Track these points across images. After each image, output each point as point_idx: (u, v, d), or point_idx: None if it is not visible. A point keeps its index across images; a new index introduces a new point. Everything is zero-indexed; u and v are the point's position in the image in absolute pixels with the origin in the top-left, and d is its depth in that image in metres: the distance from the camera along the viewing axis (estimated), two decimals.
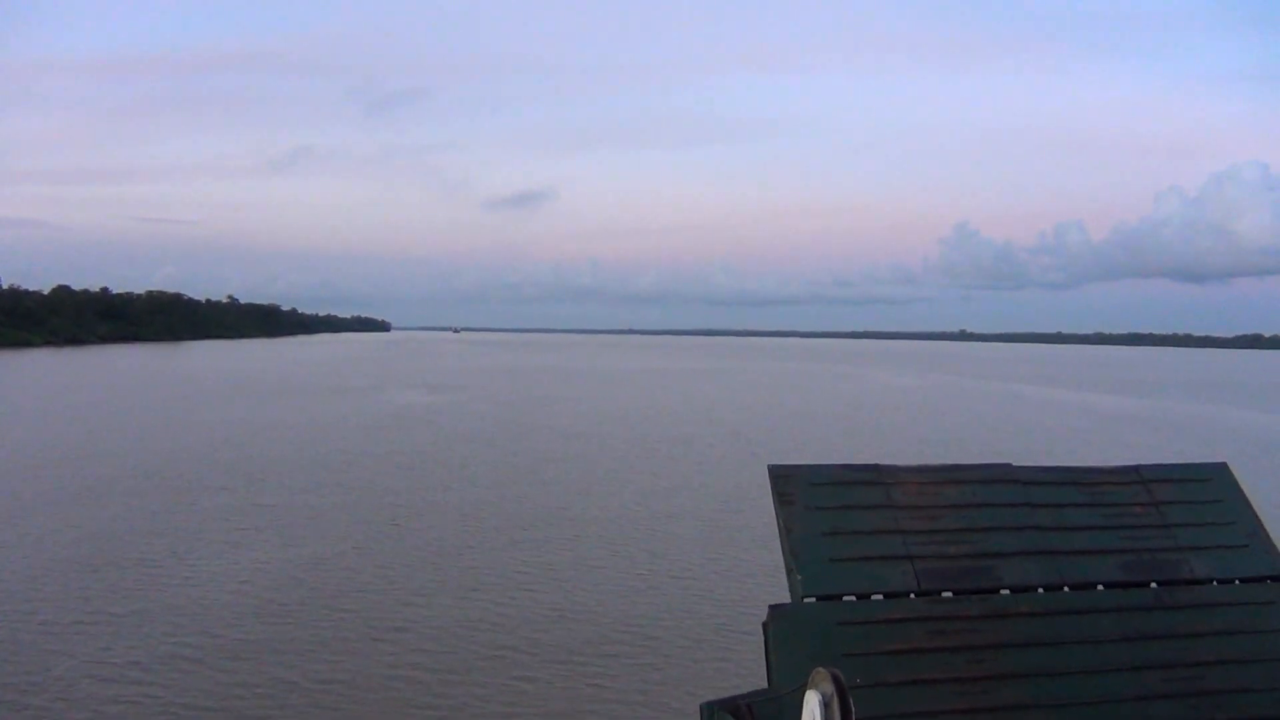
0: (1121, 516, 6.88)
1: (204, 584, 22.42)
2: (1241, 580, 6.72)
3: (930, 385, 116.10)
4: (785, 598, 6.16)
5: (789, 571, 6.25)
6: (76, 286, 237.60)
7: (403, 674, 16.94)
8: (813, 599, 6.07)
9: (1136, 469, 7.27)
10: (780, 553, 6.38)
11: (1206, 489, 7.21)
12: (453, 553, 25.92)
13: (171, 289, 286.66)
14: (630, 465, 42.77)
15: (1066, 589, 6.44)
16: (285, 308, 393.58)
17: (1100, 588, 6.50)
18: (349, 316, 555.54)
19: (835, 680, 4.24)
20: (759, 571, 23.35)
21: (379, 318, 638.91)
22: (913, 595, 6.20)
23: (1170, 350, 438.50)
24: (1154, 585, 6.58)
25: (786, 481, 6.60)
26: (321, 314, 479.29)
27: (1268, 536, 6.99)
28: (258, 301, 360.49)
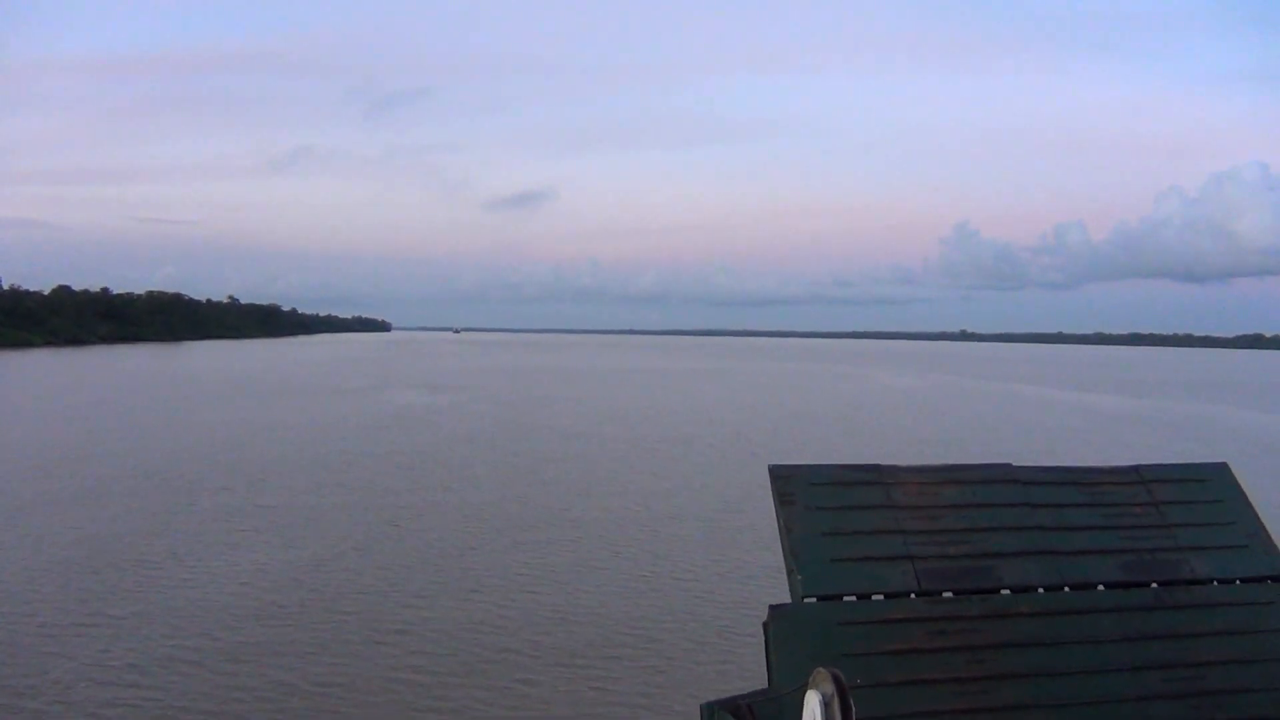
0: (1122, 516, 6.87)
1: (203, 586, 22.32)
2: (1242, 580, 6.71)
3: (930, 385, 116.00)
4: (786, 598, 6.13)
5: (789, 572, 6.24)
6: (77, 287, 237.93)
7: (403, 677, 16.83)
8: (813, 599, 6.06)
9: (1137, 469, 7.26)
10: (781, 553, 6.35)
11: (1207, 489, 7.20)
12: (454, 554, 25.82)
13: (172, 289, 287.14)
14: (631, 466, 42.67)
15: (1067, 589, 6.42)
16: (286, 308, 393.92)
17: (1101, 588, 6.49)
18: (349, 317, 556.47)
19: (835, 680, 4.23)
20: (760, 572, 23.25)
21: (379, 318, 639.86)
22: (913, 595, 6.18)
23: (1170, 350, 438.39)
24: (1154, 585, 6.57)
25: (787, 482, 6.59)
26: (322, 314, 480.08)
27: (1268, 536, 6.98)
28: (258, 302, 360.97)
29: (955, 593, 6.24)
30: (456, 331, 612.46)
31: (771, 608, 5.92)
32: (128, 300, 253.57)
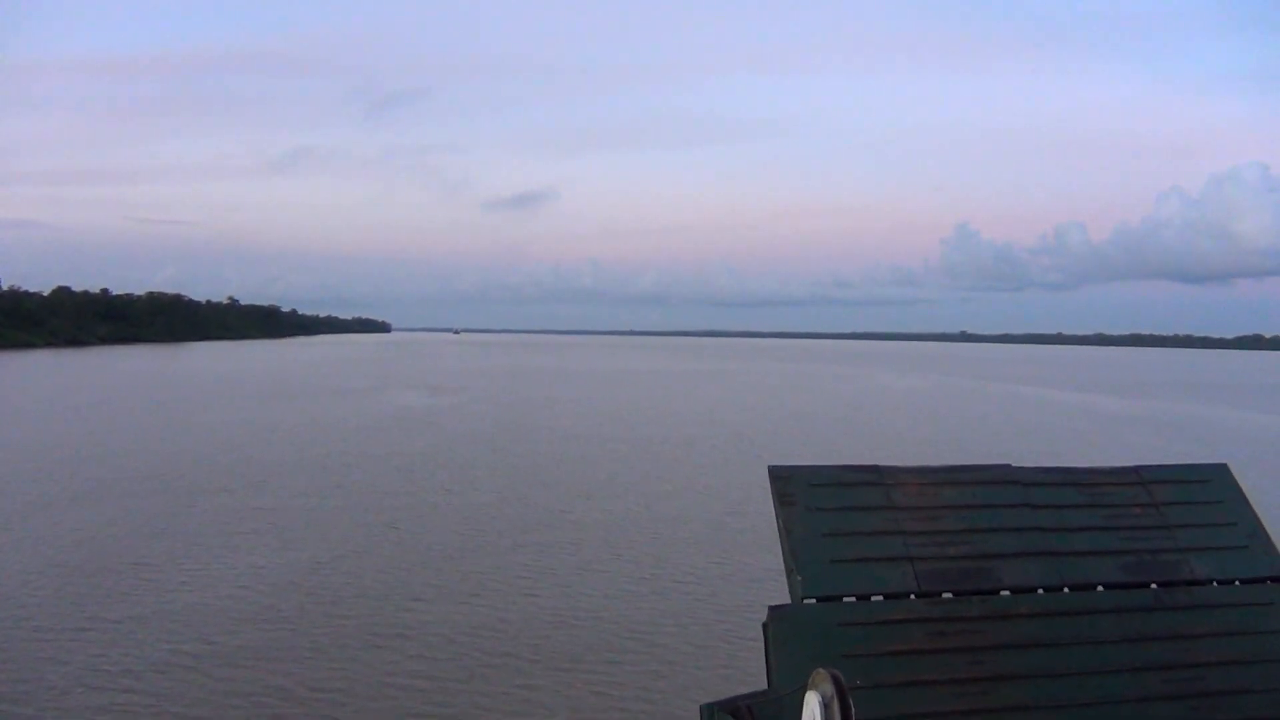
0: (1122, 517, 6.86)
1: (201, 589, 22.14)
2: (1242, 581, 6.69)
3: (931, 386, 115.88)
4: (786, 599, 6.10)
5: (789, 572, 6.22)
6: (77, 288, 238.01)
7: (403, 681, 16.64)
8: (813, 600, 6.04)
9: (1136, 470, 7.25)
10: (780, 554, 6.32)
11: (1206, 490, 7.18)
12: (454, 556, 25.65)
13: (172, 290, 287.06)
14: (632, 467, 42.51)
15: (1067, 590, 6.41)
16: (285, 309, 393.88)
17: (1100, 589, 6.48)
18: (349, 318, 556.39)
19: (835, 681, 4.22)
20: (761, 573, 23.09)
21: (379, 319, 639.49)
22: (913, 596, 6.16)
23: (1171, 351, 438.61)
24: (1154, 586, 6.55)
25: (787, 482, 6.57)
26: (322, 315, 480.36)
27: (1268, 537, 6.95)
28: (258, 303, 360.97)
29: (955, 594, 6.22)
30: (456, 332, 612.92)
31: (771, 609, 5.90)
32: (127, 301, 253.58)
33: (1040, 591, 6.38)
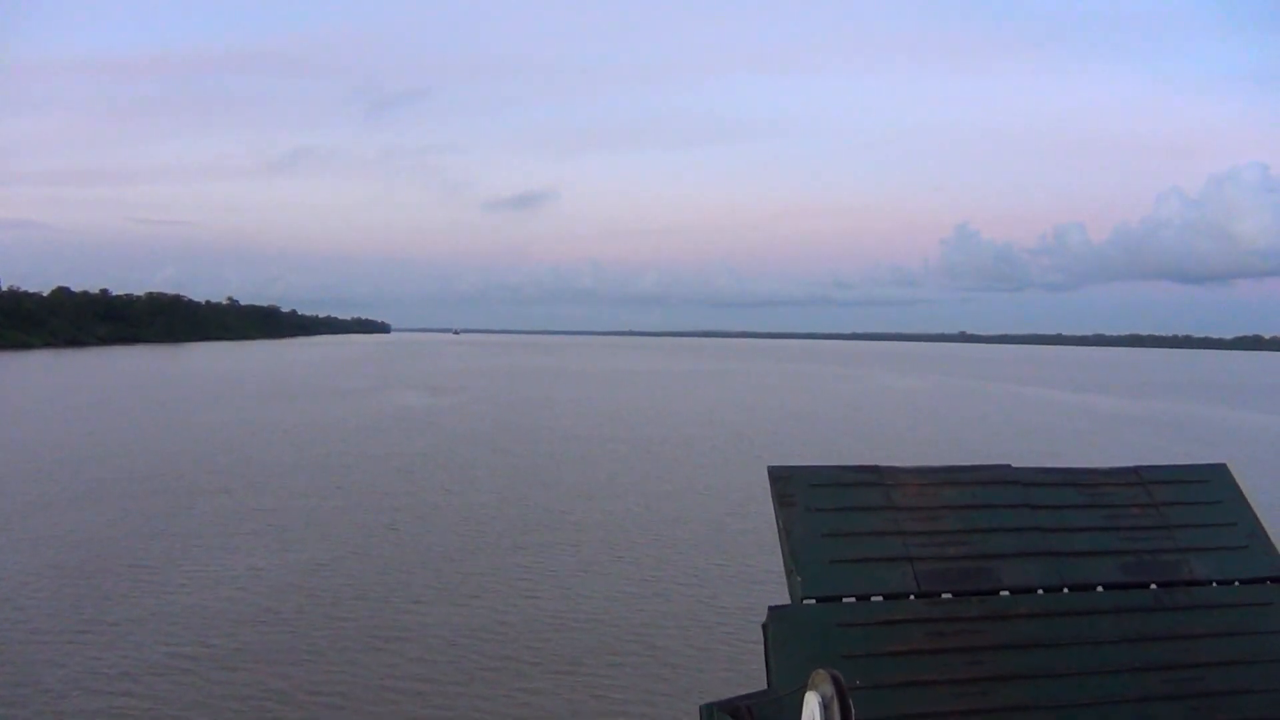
0: (1121, 518, 6.84)
1: (199, 590, 22.05)
2: (1241, 581, 6.69)
3: (931, 387, 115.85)
4: (786, 600, 6.09)
5: (789, 573, 6.21)
6: (76, 288, 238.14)
7: (403, 684, 16.55)
8: (812, 600, 6.03)
9: (1136, 470, 7.23)
10: (780, 554, 6.32)
11: (1206, 490, 7.17)
12: (454, 558, 25.56)
13: (171, 290, 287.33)
14: (632, 467, 42.44)
15: (1066, 590, 6.41)
16: (285, 309, 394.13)
17: (1100, 589, 6.47)
18: (349, 318, 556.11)
19: (835, 681, 4.22)
20: (762, 574, 23.02)
21: (379, 319, 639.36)
22: (912, 596, 6.15)
23: (1170, 351, 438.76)
24: (1154, 586, 6.54)
25: (786, 483, 6.56)
26: (321, 315, 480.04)
27: (1267, 537, 6.94)
28: (258, 303, 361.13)
29: (955, 594, 6.21)
30: (456, 333, 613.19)
31: (771, 609, 5.89)
32: (127, 301, 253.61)
33: (1040, 592, 6.37)
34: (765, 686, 5.76)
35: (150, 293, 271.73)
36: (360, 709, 15.57)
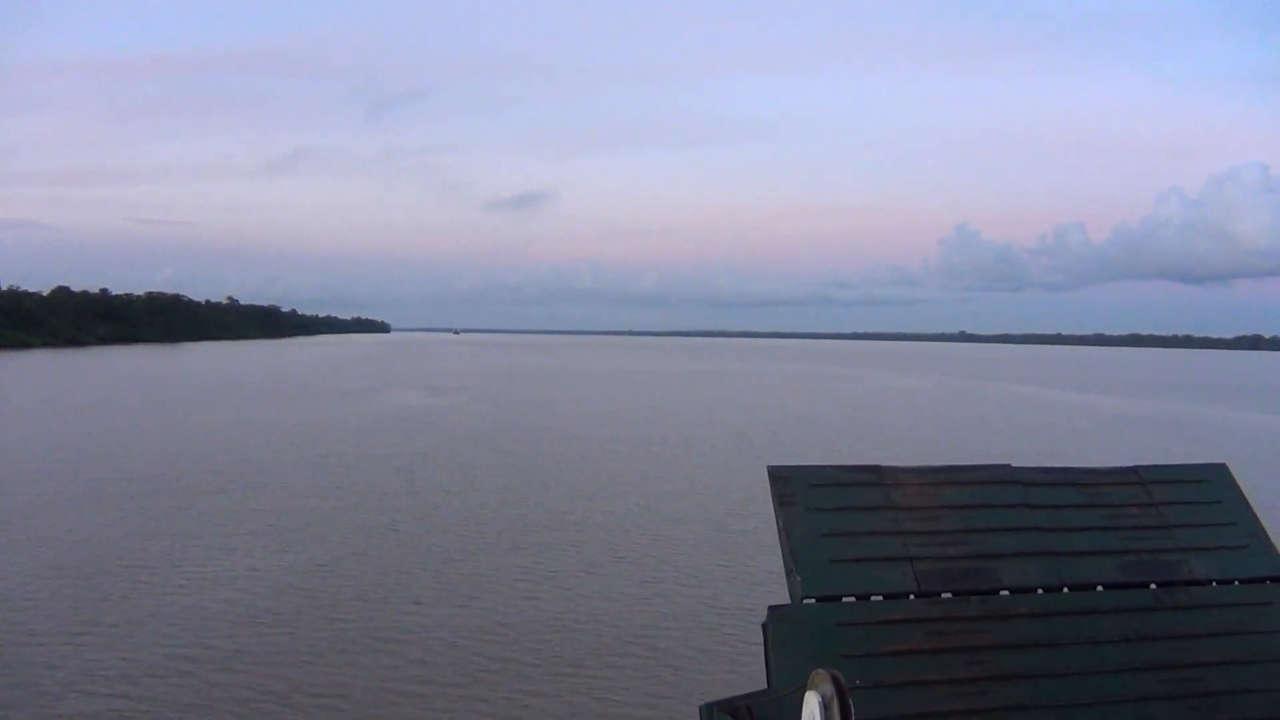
0: (1121, 517, 6.85)
1: (198, 591, 21.96)
2: (1241, 581, 6.69)
3: (930, 386, 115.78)
4: (786, 599, 6.09)
5: (788, 573, 6.21)
6: (76, 288, 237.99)
7: (403, 686, 16.45)
8: (812, 600, 6.03)
9: (1136, 470, 7.23)
10: (780, 554, 6.32)
11: (1206, 490, 7.18)
12: (454, 558, 25.48)
13: (171, 290, 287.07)
14: (632, 467, 42.36)
15: (1066, 590, 6.41)
16: (285, 309, 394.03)
17: (1100, 589, 6.47)
18: (349, 318, 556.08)
19: (835, 681, 4.22)
20: (763, 574, 22.95)
21: (379, 319, 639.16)
22: (912, 596, 6.15)
23: (1170, 351, 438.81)
24: (1153, 586, 6.55)
25: (786, 483, 6.55)
26: (321, 315, 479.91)
27: (1267, 537, 6.95)
28: (257, 303, 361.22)
29: (954, 594, 6.21)
30: (456, 333, 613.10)
31: (771, 609, 5.88)
32: (127, 301, 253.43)
33: (1040, 591, 6.37)
34: (765, 685, 5.73)
35: (150, 292, 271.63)
36: (360, 711, 15.48)
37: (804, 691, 4.40)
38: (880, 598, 6.11)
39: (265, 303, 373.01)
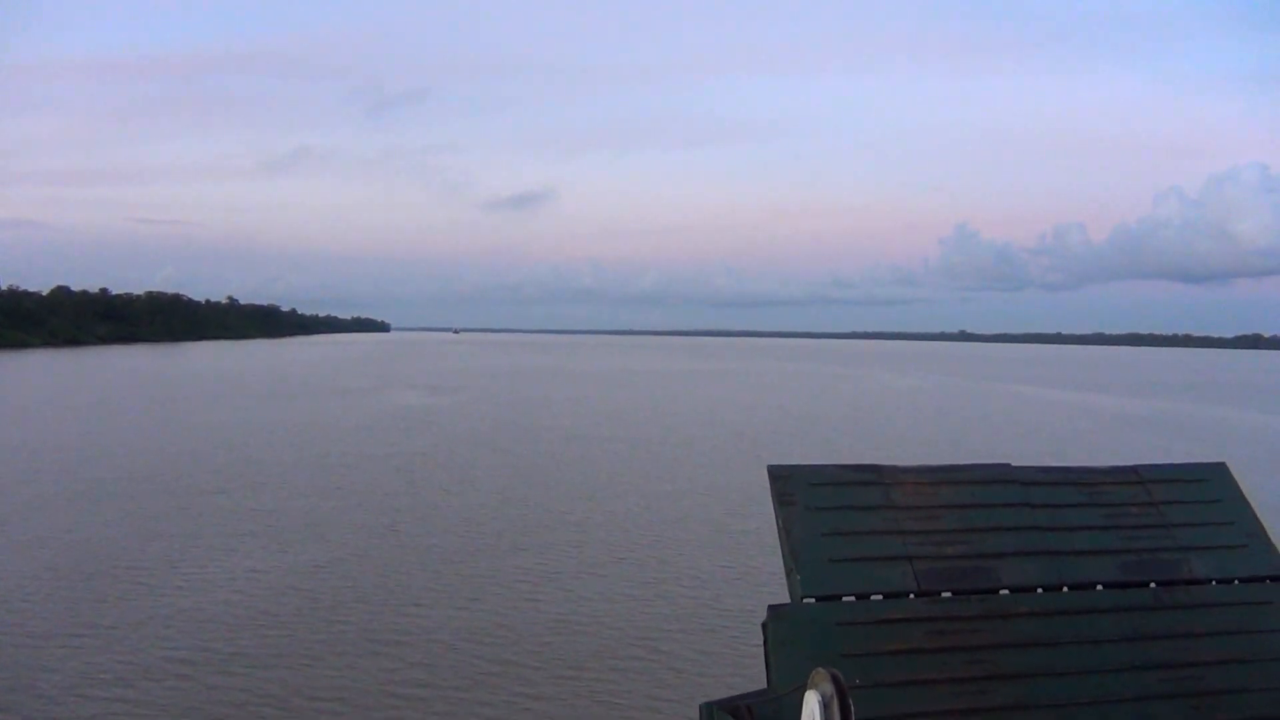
0: (1120, 517, 6.86)
1: (196, 593, 21.86)
2: (1240, 580, 6.71)
3: (931, 386, 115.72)
4: (786, 599, 6.09)
5: (788, 572, 6.21)
6: (76, 287, 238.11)
7: (402, 689, 16.34)
8: (812, 599, 6.03)
9: (1135, 469, 7.25)
10: (780, 554, 6.30)
11: (1205, 489, 7.19)
12: (454, 559, 25.38)
13: (171, 290, 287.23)
14: (633, 467, 42.28)
15: (1066, 589, 6.42)
16: (285, 308, 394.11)
17: (1099, 588, 6.48)
18: (349, 317, 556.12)
19: (835, 680, 4.23)
20: (765, 575, 22.87)
21: (379, 319, 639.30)
22: (912, 596, 6.15)
23: (1170, 351, 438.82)
24: (1153, 585, 6.55)
25: (786, 482, 6.56)
26: (321, 315, 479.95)
27: (1267, 536, 6.98)
28: (257, 302, 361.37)
29: (954, 593, 6.21)
30: (456, 332, 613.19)
31: (770, 608, 5.87)
32: (126, 301, 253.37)
33: (1039, 591, 6.37)
34: (765, 685, 5.71)
35: (150, 292, 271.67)
36: (360, 714, 15.38)
37: (804, 691, 4.39)
38: (880, 597, 6.10)
39: (265, 302, 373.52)
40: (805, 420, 67.45)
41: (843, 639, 5.79)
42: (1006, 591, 6.31)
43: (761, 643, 5.89)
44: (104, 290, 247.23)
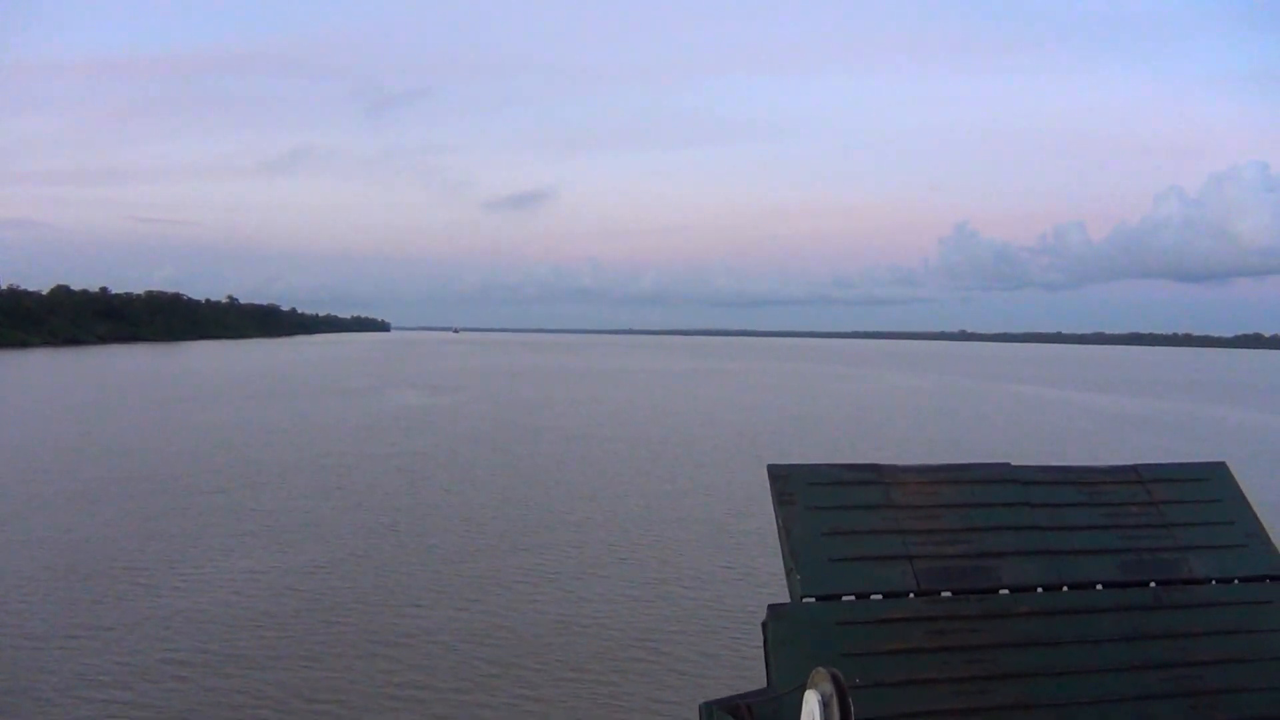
0: (1120, 516, 6.87)
1: (194, 594, 21.78)
2: (1240, 579, 6.72)
3: (931, 386, 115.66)
4: (786, 598, 6.09)
5: (788, 572, 6.21)
6: (75, 287, 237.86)
7: (401, 691, 16.24)
8: (812, 599, 6.04)
9: (1135, 468, 7.25)
10: (780, 553, 6.30)
11: (1205, 488, 7.20)
12: (454, 560, 25.30)
13: (171, 289, 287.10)
14: (633, 467, 42.20)
15: (1065, 589, 6.43)
16: (285, 308, 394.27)
17: (1099, 587, 6.49)
18: (348, 317, 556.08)
19: (834, 680, 4.23)
20: (765, 575, 22.79)
21: (379, 318, 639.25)
22: (912, 595, 6.16)
23: (1170, 350, 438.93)
24: (1153, 585, 6.56)
25: (786, 481, 6.55)
26: (321, 314, 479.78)
27: (1266, 536, 6.98)
28: (257, 302, 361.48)
29: (954, 592, 6.21)
30: (456, 331, 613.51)
31: (770, 607, 5.88)
32: (126, 300, 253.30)
33: (1039, 590, 6.38)
34: (765, 684, 5.71)
35: (150, 291, 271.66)
36: (358, 716, 15.28)
37: (804, 690, 4.39)
38: (880, 596, 6.10)
39: (265, 301, 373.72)
40: (805, 420, 67.38)
41: (842, 638, 5.78)
42: (1006, 591, 6.31)
43: (761, 643, 5.87)
44: (104, 289, 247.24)
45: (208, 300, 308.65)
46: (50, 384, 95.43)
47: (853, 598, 6.07)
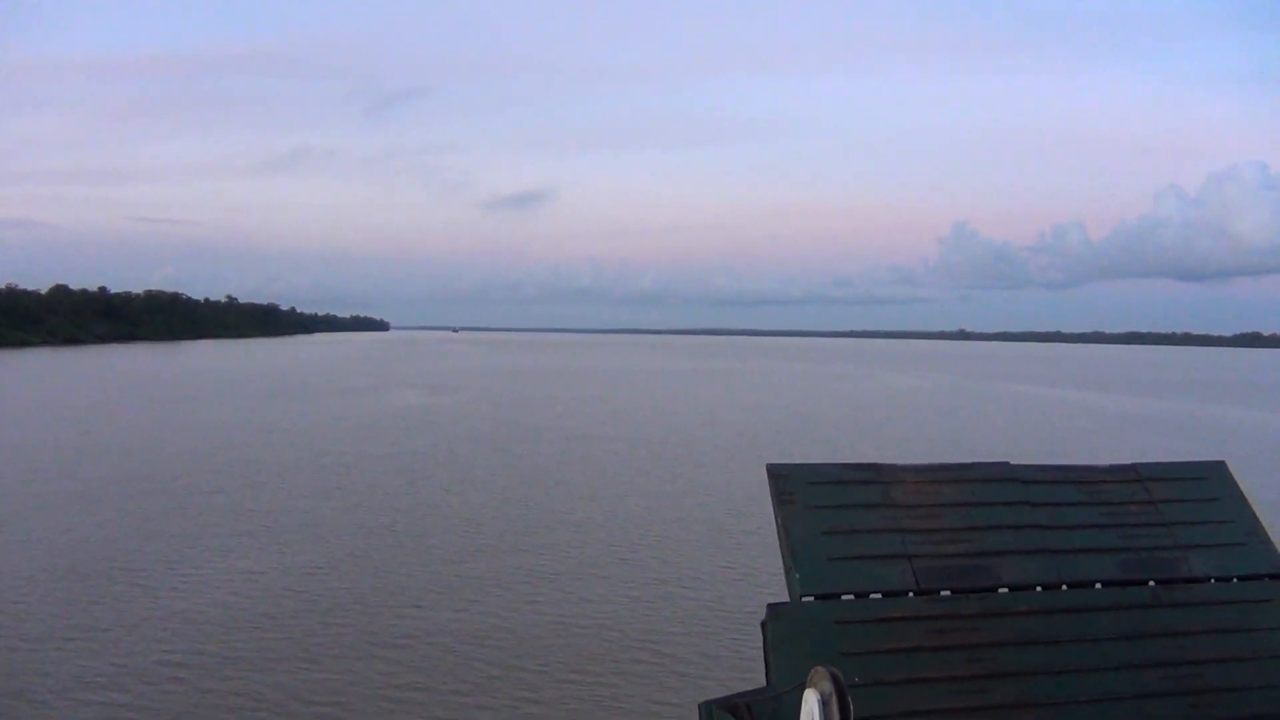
0: (1120, 515, 6.85)
1: (193, 595, 21.69)
2: (1239, 578, 6.71)
3: (930, 385, 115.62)
4: (785, 597, 6.07)
5: (787, 571, 6.20)
6: (75, 286, 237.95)
7: (401, 693, 16.15)
8: (811, 598, 6.03)
9: (1134, 467, 7.23)
10: (779, 553, 6.29)
11: (1204, 487, 7.19)
12: (454, 560, 25.21)
13: (170, 289, 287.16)
14: (633, 467, 42.13)
15: (1065, 587, 6.42)
16: (284, 307, 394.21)
17: (1098, 586, 6.47)
18: (348, 316, 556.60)
19: (834, 679, 4.24)
20: (765, 575, 22.72)
21: (378, 318, 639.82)
22: (911, 594, 6.15)
23: (1169, 349, 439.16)
24: (1152, 583, 6.55)
25: (785, 480, 6.54)
26: (320, 314, 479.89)
27: (1266, 535, 6.98)
28: (257, 301, 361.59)
29: (953, 591, 6.20)
30: (455, 331, 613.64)
31: (770, 606, 5.88)
32: (126, 300, 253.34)
33: (1039, 589, 6.37)
34: (764, 683, 5.71)
35: (149, 291, 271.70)
36: (358, 717, 15.18)
37: (803, 689, 4.39)
38: (879, 595, 6.10)
39: (264, 301, 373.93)
40: (805, 419, 67.32)
41: (842, 637, 5.78)
42: (1006, 590, 6.31)
43: (760, 640, 5.91)
44: (103, 289, 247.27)
45: (207, 300, 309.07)
46: (49, 384, 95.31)
47: (852, 597, 6.07)
